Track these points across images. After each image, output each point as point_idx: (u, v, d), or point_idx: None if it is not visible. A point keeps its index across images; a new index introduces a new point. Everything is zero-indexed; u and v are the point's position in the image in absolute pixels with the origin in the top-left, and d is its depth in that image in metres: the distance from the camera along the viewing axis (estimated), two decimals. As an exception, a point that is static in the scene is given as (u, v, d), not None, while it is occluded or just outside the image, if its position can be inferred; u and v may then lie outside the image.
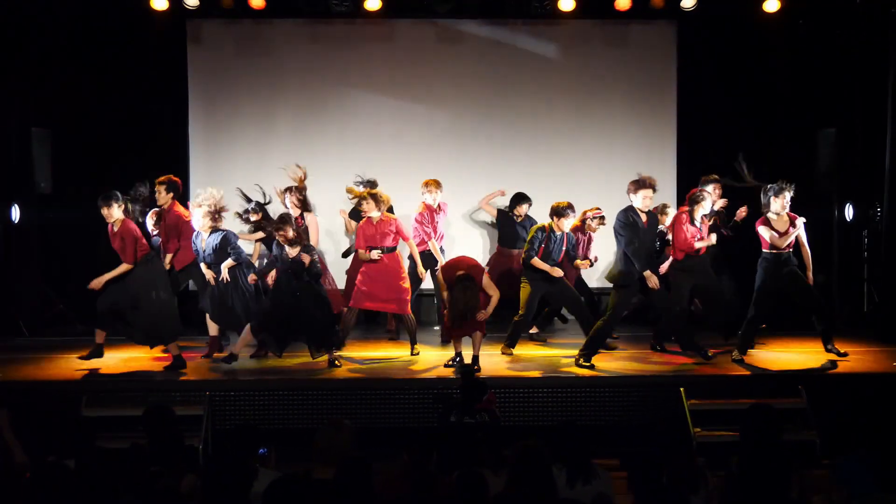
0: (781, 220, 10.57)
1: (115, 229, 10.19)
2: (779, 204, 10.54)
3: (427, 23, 13.92)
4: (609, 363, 10.74)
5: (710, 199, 10.93)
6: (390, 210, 11.80)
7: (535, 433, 6.75)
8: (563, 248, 11.21)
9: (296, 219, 11.15)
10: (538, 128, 14.06)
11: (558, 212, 11.17)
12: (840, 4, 12.91)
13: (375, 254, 11.12)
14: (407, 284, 11.38)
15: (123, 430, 8.56)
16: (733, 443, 7.29)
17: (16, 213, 12.69)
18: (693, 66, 13.94)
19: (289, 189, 11.66)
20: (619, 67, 14.11)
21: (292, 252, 10.27)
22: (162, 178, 11.35)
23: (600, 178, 13.65)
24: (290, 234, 10.28)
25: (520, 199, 12.97)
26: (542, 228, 11.20)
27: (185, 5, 12.74)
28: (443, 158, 13.80)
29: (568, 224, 11.23)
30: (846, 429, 9.19)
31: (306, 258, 10.23)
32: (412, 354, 11.23)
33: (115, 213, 10.16)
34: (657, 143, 14.08)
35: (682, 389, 9.56)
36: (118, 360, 10.89)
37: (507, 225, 13.02)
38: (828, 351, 10.74)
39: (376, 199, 11.22)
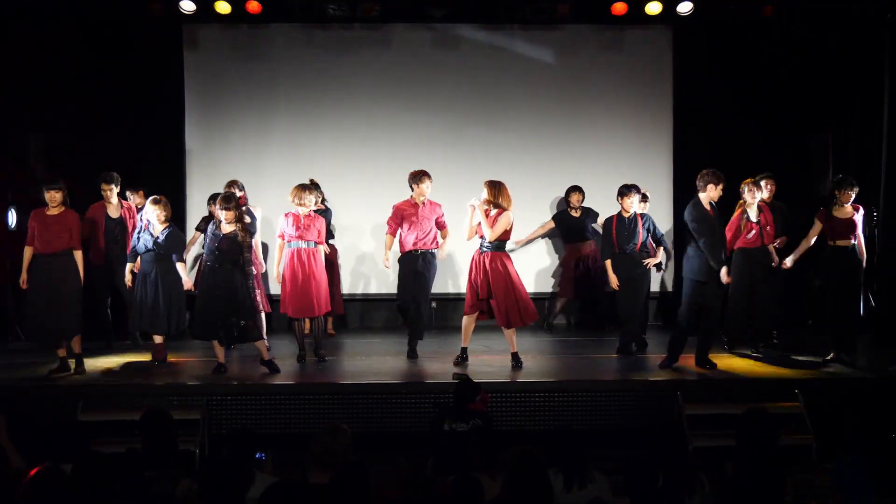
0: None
1: (55, 213, 10.38)
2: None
3: (423, 27, 13.93)
4: (606, 367, 10.76)
5: (754, 193, 11.10)
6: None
7: (532, 437, 6.76)
8: (640, 232, 11.18)
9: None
10: (534, 132, 14.08)
11: (620, 191, 11.25)
12: (836, 10, 12.91)
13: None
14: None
15: (120, 435, 8.55)
16: (729, 447, 7.29)
17: (12, 217, 12.68)
18: (689, 70, 13.97)
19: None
20: (615, 72, 14.13)
21: (226, 228, 10.31)
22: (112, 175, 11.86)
23: (597, 183, 13.65)
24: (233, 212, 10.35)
25: (569, 190, 13.49)
26: (610, 217, 11.28)
27: (181, 10, 12.75)
28: (438, 162, 13.77)
29: (633, 203, 11.19)
30: (842, 433, 9.19)
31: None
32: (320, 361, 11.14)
33: (60, 198, 10.42)
34: (653, 147, 14.09)
35: (678, 393, 9.56)
36: (114, 364, 10.92)
37: (567, 220, 13.46)
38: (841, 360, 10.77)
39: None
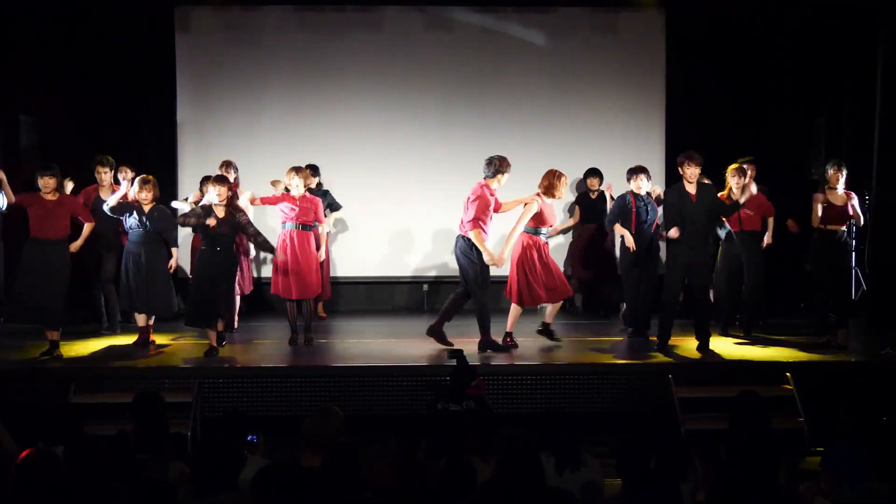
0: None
1: (53, 199, 10.40)
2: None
3: (416, 10, 13.91)
4: (598, 350, 10.77)
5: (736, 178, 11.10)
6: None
7: (524, 421, 6.76)
8: (657, 213, 11.27)
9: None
10: (527, 114, 14.06)
11: (629, 173, 11.36)
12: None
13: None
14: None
15: (112, 417, 8.56)
16: (721, 431, 7.30)
17: (2, 200, 12.62)
18: (682, 53, 13.96)
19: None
20: (608, 55, 14.12)
21: (220, 211, 10.32)
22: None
23: (589, 165, 13.66)
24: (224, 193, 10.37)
25: (588, 173, 13.56)
26: (624, 195, 11.35)
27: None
28: (432, 145, 13.81)
29: (642, 185, 11.26)
30: (834, 416, 9.22)
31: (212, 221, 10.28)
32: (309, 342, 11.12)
33: (54, 184, 10.44)
34: (646, 130, 14.09)
35: (670, 377, 9.57)
36: (106, 346, 10.90)
37: (584, 203, 13.57)
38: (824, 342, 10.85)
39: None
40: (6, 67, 12.65)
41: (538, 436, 5.97)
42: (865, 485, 5.58)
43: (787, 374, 9.65)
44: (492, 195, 10.55)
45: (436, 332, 10.76)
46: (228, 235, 10.31)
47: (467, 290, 10.62)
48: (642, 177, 11.29)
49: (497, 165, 10.54)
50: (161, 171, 12.42)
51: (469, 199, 10.54)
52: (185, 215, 10.61)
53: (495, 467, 5.57)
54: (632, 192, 11.32)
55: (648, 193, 11.41)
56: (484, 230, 10.43)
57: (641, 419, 9.23)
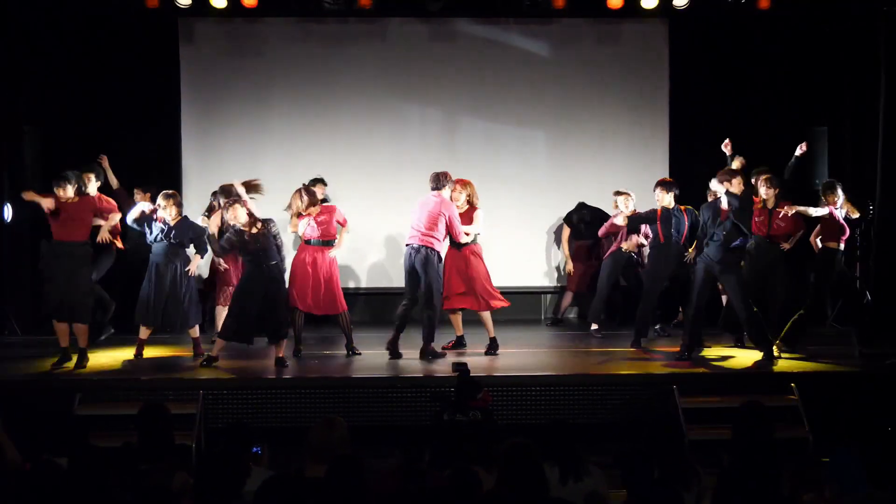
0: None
1: (73, 202, 10.36)
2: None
3: (419, 21, 13.91)
4: (602, 361, 10.76)
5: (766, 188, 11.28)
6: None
7: (528, 431, 6.76)
8: (686, 225, 11.24)
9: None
10: (530, 126, 14.07)
11: (664, 186, 11.34)
12: (832, 2, 12.91)
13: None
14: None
15: (117, 429, 8.56)
16: (726, 440, 7.30)
17: (8, 212, 12.65)
18: (685, 64, 13.96)
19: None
20: (611, 66, 14.11)
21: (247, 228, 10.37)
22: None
23: (594, 176, 13.68)
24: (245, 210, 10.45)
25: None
26: (654, 210, 11.34)
27: (176, 4, 12.69)
28: (435, 157, 13.76)
29: (668, 199, 11.25)
30: (838, 426, 9.22)
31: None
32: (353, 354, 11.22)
33: (72, 192, 10.45)
34: (650, 140, 14.08)
35: (674, 387, 9.57)
36: (111, 358, 10.91)
37: (579, 216, 13.46)
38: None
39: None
40: (10, 78, 12.67)
41: (542, 446, 5.97)
42: (867, 493, 5.59)
43: (792, 384, 9.65)
44: None
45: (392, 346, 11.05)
46: (266, 249, 10.38)
47: (414, 300, 10.96)
48: (668, 190, 11.33)
49: (447, 179, 11.11)
50: (164, 181, 12.42)
51: (441, 213, 10.89)
52: (221, 246, 10.70)
53: (497, 478, 5.58)
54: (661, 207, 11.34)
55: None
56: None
57: (645, 429, 9.22)
